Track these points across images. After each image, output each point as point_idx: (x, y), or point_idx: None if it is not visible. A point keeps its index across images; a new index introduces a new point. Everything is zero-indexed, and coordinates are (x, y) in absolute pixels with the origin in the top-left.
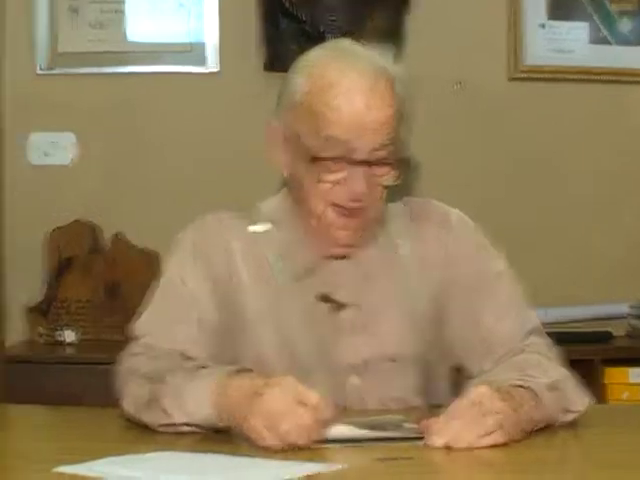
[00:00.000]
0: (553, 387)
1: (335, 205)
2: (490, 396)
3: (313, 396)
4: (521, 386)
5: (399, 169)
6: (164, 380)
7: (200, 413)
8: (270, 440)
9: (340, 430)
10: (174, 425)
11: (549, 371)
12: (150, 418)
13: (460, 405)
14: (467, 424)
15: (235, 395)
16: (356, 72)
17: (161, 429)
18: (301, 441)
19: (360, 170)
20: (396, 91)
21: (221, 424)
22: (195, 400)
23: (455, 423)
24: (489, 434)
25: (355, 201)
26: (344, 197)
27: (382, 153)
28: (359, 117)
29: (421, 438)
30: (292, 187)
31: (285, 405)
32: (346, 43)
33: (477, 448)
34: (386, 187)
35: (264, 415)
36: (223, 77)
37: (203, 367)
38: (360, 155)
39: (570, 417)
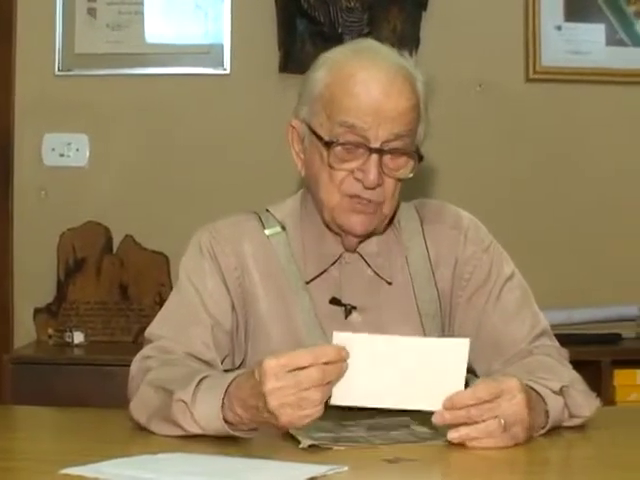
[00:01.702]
0: (561, 391)
1: (349, 196)
2: (518, 392)
3: (302, 357)
4: (532, 388)
5: (413, 163)
6: (174, 391)
7: (212, 427)
8: (292, 415)
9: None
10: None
11: (558, 374)
12: (160, 429)
13: (487, 389)
14: (487, 424)
15: (242, 396)
16: (376, 66)
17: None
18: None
19: (375, 158)
20: (416, 88)
21: (235, 433)
22: (206, 414)
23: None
24: (508, 431)
25: (368, 189)
26: (357, 187)
27: (397, 144)
28: (377, 104)
29: (428, 439)
30: (308, 184)
31: (288, 380)
32: (368, 42)
33: (484, 448)
34: (400, 180)
35: (276, 395)
36: (239, 79)
37: (207, 376)
38: (375, 143)
39: (576, 421)
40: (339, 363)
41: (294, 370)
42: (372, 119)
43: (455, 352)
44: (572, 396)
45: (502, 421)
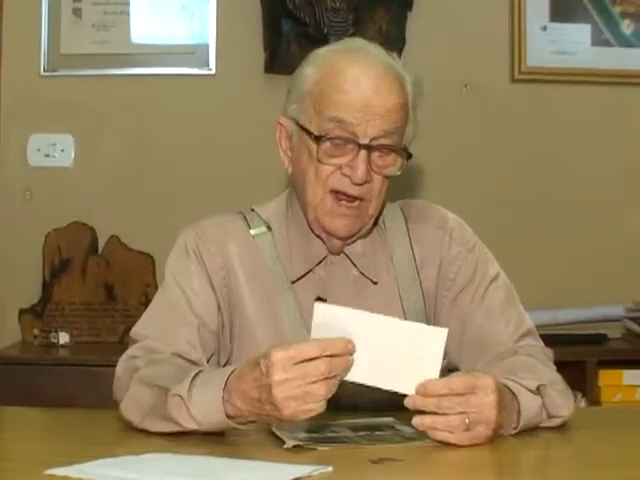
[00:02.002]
0: (538, 390)
1: (335, 192)
2: (491, 391)
3: (309, 349)
4: (506, 386)
5: (401, 160)
6: (168, 388)
7: (209, 420)
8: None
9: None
10: (182, 430)
11: (538, 373)
12: (157, 427)
13: (461, 382)
14: (451, 418)
15: (243, 387)
16: (366, 63)
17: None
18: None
19: (363, 154)
20: (405, 88)
21: (235, 425)
22: (203, 408)
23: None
24: (470, 430)
25: (355, 185)
26: (344, 182)
27: (386, 140)
28: (367, 100)
29: (413, 439)
30: (294, 182)
31: (293, 372)
32: (358, 40)
33: (442, 441)
34: (387, 178)
35: (283, 388)
36: (225, 79)
37: (201, 371)
38: (364, 139)
39: (555, 422)
40: (346, 356)
41: (301, 362)
42: (361, 115)
43: (433, 340)
44: (550, 396)
45: (467, 420)
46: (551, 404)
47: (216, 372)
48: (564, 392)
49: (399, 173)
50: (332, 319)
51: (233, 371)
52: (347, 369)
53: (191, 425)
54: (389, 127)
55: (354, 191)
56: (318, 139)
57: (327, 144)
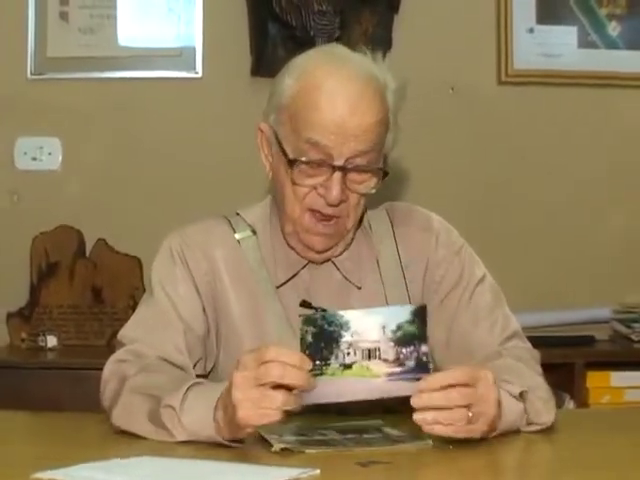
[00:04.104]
0: (521, 397)
1: (311, 210)
2: (492, 382)
3: (267, 351)
4: None
5: (377, 178)
6: (160, 397)
7: (202, 434)
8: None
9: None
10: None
11: (522, 377)
12: (149, 435)
13: (464, 372)
14: (454, 412)
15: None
16: (344, 76)
17: None
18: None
19: (338, 176)
20: (385, 100)
21: (224, 442)
22: (196, 422)
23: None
24: (471, 423)
25: (331, 206)
26: (320, 202)
27: (361, 160)
28: (341, 121)
29: (401, 442)
30: (275, 189)
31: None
32: (340, 48)
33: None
34: (363, 195)
35: (241, 388)
36: (211, 82)
37: (195, 384)
38: (339, 161)
39: (534, 428)
40: (302, 371)
41: (261, 364)
42: (335, 137)
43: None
44: (531, 402)
45: (469, 414)
46: (532, 411)
47: (212, 385)
48: (547, 399)
49: (374, 191)
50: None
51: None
52: (301, 383)
53: (182, 437)
54: (365, 147)
55: (329, 211)
56: (292, 163)
57: (301, 167)
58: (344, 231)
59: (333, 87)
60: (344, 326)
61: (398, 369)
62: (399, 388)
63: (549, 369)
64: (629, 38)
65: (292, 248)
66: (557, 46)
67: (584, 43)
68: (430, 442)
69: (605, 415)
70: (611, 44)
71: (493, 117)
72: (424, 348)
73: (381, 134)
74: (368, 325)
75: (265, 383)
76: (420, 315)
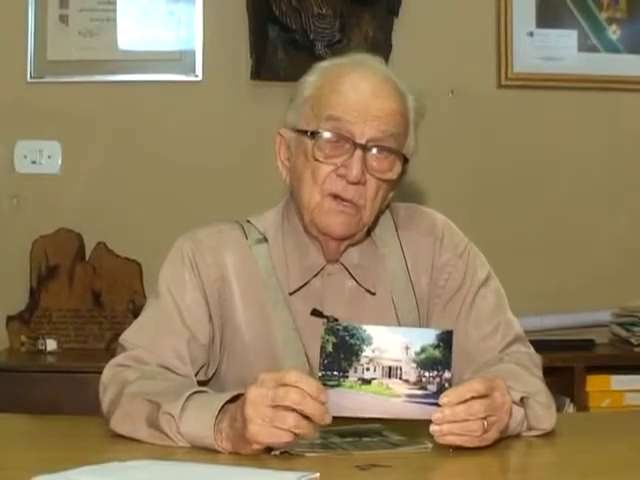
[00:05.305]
0: (521, 402)
1: (331, 195)
2: (506, 391)
3: (289, 375)
4: None
5: (396, 167)
6: (159, 404)
7: (200, 443)
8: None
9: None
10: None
11: (523, 383)
12: (147, 439)
13: (481, 382)
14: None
15: (233, 409)
16: (368, 69)
17: None
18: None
19: (359, 153)
20: (405, 101)
21: (225, 451)
22: (195, 432)
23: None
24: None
25: (352, 184)
26: (340, 185)
27: (383, 143)
28: (364, 101)
29: (400, 446)
30: (291, 191)
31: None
32: (363, 56)
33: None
34: (383, 182)
35: (255, 404)
36: (211, 85)
37: (196, 392)
38: (361, 139)
39: (534, 433)
40: (318, 403)
41: (280, 385)
42: (358, 114)
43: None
44: (532, 407)
45: (485, 424)
46: (533, 416)
47: (214, 396)
48: (547, 404)
49: (395, 177)
50: None
51: (231, 399)
52: (316, 415)
53: (181, 444)
54: (387, 129)
55: (349, 194)
56: (314, 134)
57: (323, 142)
58: (360, 222)
59: (356, 76)
60: (366, 340)
61: (419, 392)
62: (418, 411)
63: (549, 373)
64: (629, 42)
65: (315, 238)
66: (557, 50)
67: (584, 47)
68: (430, 446)
69: (605, 419)
70: (611, 48)
71: (493, 120)
72: (447, 374)
73: (402, 125)
74: (391, 343)
75: (280, 405)
76: (446, 341)
